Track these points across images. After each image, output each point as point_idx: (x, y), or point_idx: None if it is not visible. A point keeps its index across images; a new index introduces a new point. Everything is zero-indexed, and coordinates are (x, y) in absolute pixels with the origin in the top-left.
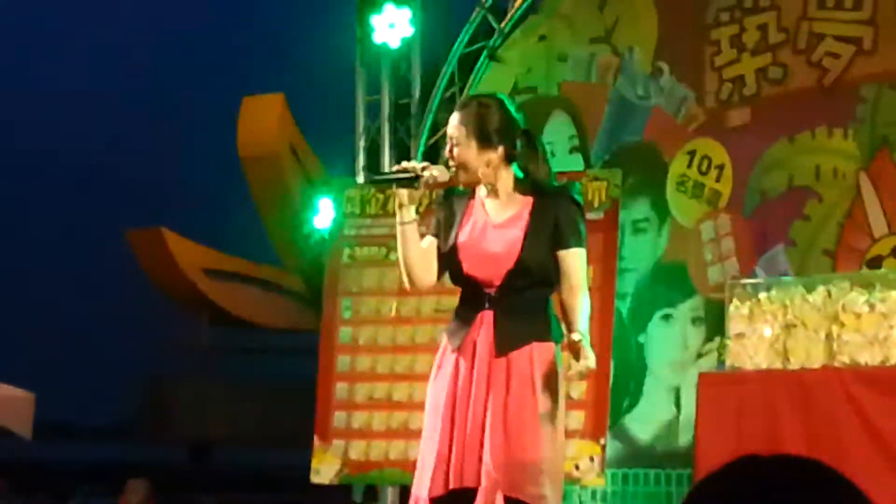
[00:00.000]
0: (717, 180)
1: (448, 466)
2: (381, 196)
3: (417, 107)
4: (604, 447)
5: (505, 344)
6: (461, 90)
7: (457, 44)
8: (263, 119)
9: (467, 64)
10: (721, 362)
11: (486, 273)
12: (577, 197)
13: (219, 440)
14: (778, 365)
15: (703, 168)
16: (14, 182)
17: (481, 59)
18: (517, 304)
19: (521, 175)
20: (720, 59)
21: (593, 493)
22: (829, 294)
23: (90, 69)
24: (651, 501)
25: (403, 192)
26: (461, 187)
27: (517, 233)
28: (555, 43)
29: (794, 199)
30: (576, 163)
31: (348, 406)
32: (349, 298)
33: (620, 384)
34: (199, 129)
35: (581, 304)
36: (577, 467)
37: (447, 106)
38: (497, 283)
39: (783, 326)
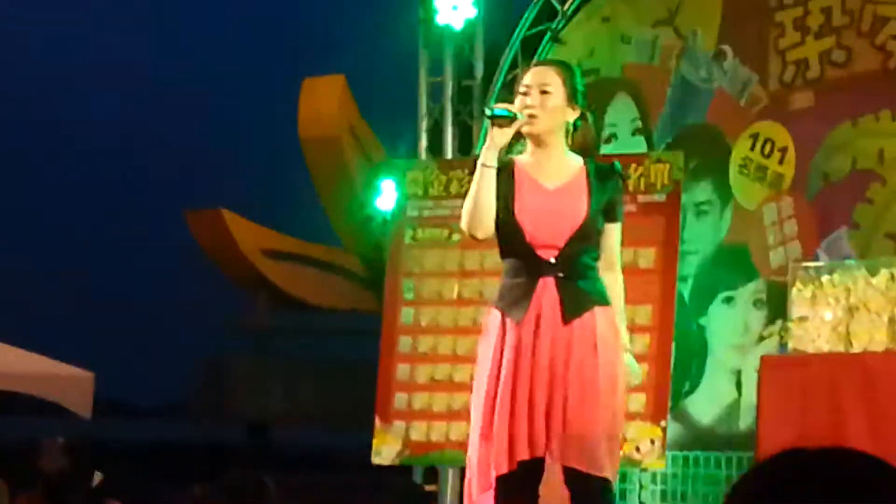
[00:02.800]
0: (780, 163)
1: (516, 441)
2: (443, 178)
3: (480, 89)
4: (664, 430)
5: (572, 309)
6: (524, 72)
7: (520, 26)
8: (324, 101)
9: (530, 46)
10: (783, 345)
11: (548, 237)
12: (622, 173)
13: (277, 420)
14: (841, 348)
15: (766, 151)
16: (76, 166)
17: (544, 41)
18: (577, 269)
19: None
20: (784, 42)
21: (654, 476)
22: (893, 277)
23: (153, 52)
24: (711, 484)
25: (498, 132)
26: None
27: (578, 197)
28: (618, 25)
29: (857, 182)
30: (638, 145)
31: (409, 387)
32: (411, 280)
33: (681, 367)
34: (260, 110)
35: (619, 289)
36: (637, 450)
37: (510, 88)
38: (559, 246)
39: (846, 309)
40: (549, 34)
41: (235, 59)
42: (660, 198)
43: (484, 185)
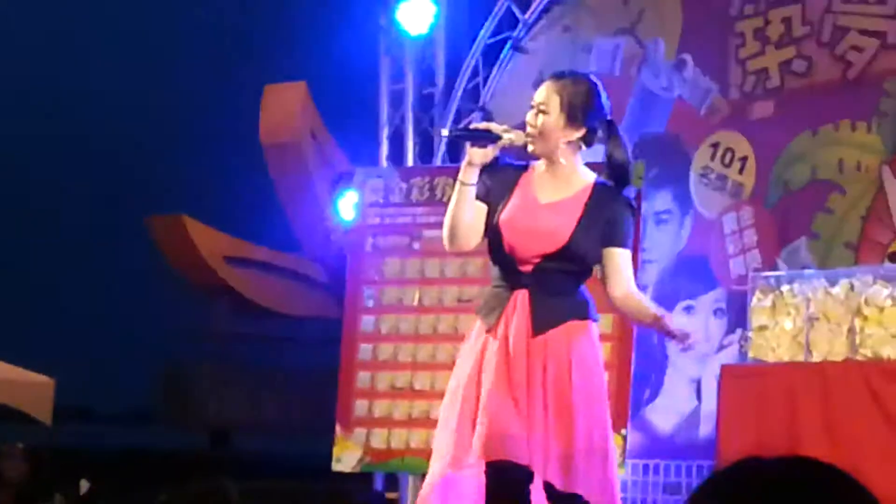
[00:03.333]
0: (740, 172)
1: (462, 445)
2: (404, 185)
3: (441, 97)
4: (625, 438)
5: (542, 322)
6: (485, 81)
7: (481, 34)
8: (286, 107)
9: (491, 54)
10: (743, 354)
11: (526, 250)
12: (633, 202)
13: (239, 427)
14: (800, 358)
15: (727, 160)
16: (36, 168)
17: (505, 49)
18: (553, 283)
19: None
20: (744, 52)
21: None
22: (852, 287)
23: (113, 57)
24: (671, 492)
25: (477, 152)
26: (514, 162)
27: (569, 218)
28: (579, 34)
29: (816, 192)
30: (598, 154)
31: (370, 394)
32: (371, 287)
33: (642, 375)
34: (222, 116)
35: (640, 297)
36: None
37: (471, 96)
38: (536, 261)
39: (805, 319)
40: (510, 43)
41: (196, 66)
42: None
43: (460, 203)
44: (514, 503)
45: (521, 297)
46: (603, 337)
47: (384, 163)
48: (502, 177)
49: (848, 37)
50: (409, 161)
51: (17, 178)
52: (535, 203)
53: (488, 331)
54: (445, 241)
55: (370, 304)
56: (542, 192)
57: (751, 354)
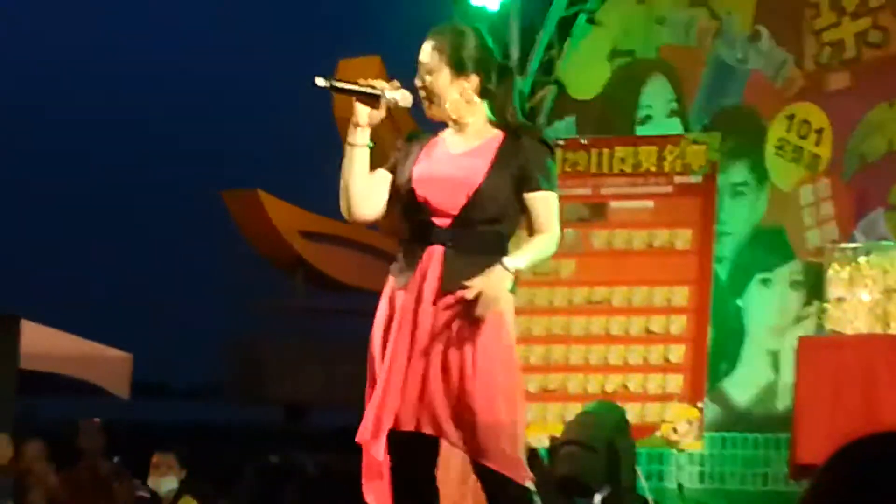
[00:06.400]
0: (817, 144)
1: (381, 411)
2: None
3: (516, 70)
4: (702, 411)
5: (453, 280)
6: (559, 53)
7: (555, 6)
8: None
9: (565, 27)
10: (820, 327)
11: (441, 200)
12: (547, 141)
13: (313, 401)
14: (878, 330)
15: (803, 132)
16: (114, 147)
17: (579, 21)
18: (470, 240)
19: (491, 114)
20: (820, 23)
21: (691, 457)
22: None
23: (186, 36)
24: (748, 465)
25: (362, 110)
26: (422, 132)
27: (481, 162)
28: (653, 6)
29: (893, 163)
30: (674, 126)
31: None
32: None
33: (719, 348)
34: (296, 91)
35: (536, 239)
36: (675, 430)
37: (546, 69)
38: (453, 213)
39: (883, 291)
40: (584, 15)
41: (272, 40)
42: (696, 179)
43: (348, 166)
44: (416, 473)
45: (436, 252)
46: (680, 309)
47: None
48: (408, 147)
49: None
50: None
51: (95, 162)
52: (447, 155)
53: (401, 289)
54: (342, 210)
55: None
56: (453, 146)
57: (828, 326)
